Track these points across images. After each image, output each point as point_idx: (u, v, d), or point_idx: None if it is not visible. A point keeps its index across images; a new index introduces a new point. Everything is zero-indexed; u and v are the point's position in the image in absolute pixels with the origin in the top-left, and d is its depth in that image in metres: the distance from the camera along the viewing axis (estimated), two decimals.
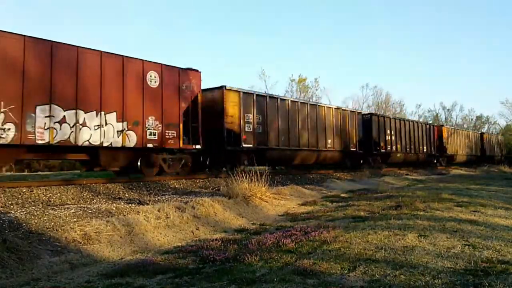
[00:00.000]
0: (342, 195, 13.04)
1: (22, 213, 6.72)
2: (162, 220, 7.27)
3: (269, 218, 9.04)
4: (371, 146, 23.04)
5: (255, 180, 10.07)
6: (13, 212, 6.77)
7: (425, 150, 29.52)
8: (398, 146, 25.75)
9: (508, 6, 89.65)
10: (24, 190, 8.82)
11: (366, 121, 23.35)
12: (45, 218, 6.49)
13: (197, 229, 7.45)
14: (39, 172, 12.18)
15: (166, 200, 8.97)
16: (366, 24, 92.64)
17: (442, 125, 35.87)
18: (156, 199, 9.23)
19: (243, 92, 15.15)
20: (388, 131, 24.77)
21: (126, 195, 9.79)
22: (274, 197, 10.64)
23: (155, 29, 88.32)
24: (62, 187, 9.58)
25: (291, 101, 18.09)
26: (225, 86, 14.49)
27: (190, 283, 4.27)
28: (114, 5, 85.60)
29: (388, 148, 24.60)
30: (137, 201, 8.76)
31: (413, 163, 28.32)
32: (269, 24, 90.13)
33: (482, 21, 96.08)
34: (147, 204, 8.28)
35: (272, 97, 17.05)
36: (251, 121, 15.28)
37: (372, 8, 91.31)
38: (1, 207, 7.44)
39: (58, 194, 8.96)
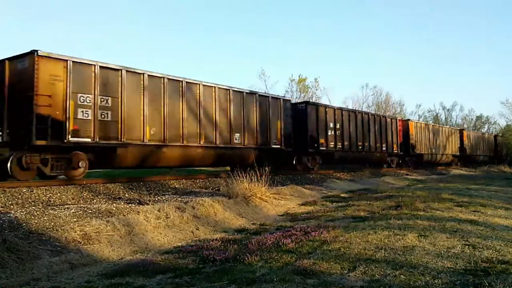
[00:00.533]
0: (342, 195, 13.04)
1: (22, 213, 6.72)
2: (162, 220, 7.27)
3: (269, 218, 9.04)
4: (305, 142, 18.20)
5: (255, 180, 10.08)
6: (13, 212, 6.77)
7: (384, 149, 24.21)
8: (346, 143, 20.66)
9: (508, 6, 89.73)
10: (24, 190, 8.81)
11: (300, 111, 18.53)
12: (45, 218, 6.50)
13: (197, 229, 7.46)
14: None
15: (166, 200, 8.97)
16: (366, 24, 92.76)
17: (409, 119, 30.08)
18: (156, 199, 9.24)
19: (74, 62, 10.37)
20: (332, 125, 19.71)
21: (126, 195, 9.80)
22: (274, 197, 10.65)
23: (154, 29, 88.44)
24: (62, 187, 9.58)
25: (170, 79, 12.73)
26: (37, 51, 9.80)
27: (190, 283, 4.28)
28: (113, 5, 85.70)
29: (331, 145, 19.62)
30: (137, 201, 8.76)
31: (369, 163, 23.65)
32: (269, 24, 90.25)
33: (482, 21, 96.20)
34: (147, 204, 8.28)
35: (132, 72, 11.71)
36: (90, 104, 10.57)
37: (372, 8, 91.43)
38: (1, 207, 7.44)
39: (58, 194, 8.95)
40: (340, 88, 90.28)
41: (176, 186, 11.85)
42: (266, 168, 13.57)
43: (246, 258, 5.01)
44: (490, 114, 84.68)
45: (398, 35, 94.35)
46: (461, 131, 36.93)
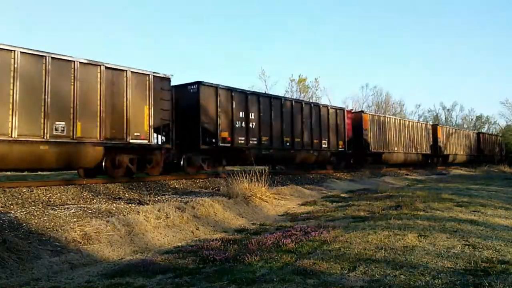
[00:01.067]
0: (342, 195, 13.04)
1: (22, 213, 6.72)
2: (162, 220, 7.27)
3: (269, 218, 9.04)
4: (197, 137, 13.56)
5: (255, 180, 10.08)
6: (13, 212, 6.78)
7: (325, 146, 19.50)
8: (265, 138, 16.05)
9: (508, 6, 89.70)
10: (24, 190, 8.82)
11: (190, 95, 13.82)
12: (45, 218, 6.50)
13: (197, 229, 7.46)
14: (39, 172, 12.08)
15: (166, 200, 8.97)
16: (366, 25, 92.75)
17: (362, 111, 25.13)
18: (156, 199, 9.23)
19: None
20: (242, 114, 15.19)
21: (126, 195, 9.80)
22: (274, 197, 10.65)
23: (155, 30, 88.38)
24: (62, 187, 9.58)
25: None
26: None
27: (190, 283, 4.28)
28: (115, 10, 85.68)
29: (241, 141, 14.98)
30: (137, 201, 8.76)
31: (302, 164, 19.28)
32: (269, 25, 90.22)
33: (482, 21, 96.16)
34: (147, 204, 8.29)
35: None
36: None
37: (372, 9, 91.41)
38: (1, 207, 7.45)
39: (58, 194, 8.96)
40: (340, 88, 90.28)
41: (176, 186, 11.85)
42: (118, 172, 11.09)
43: (246, 258, 5.01)
44: (490, 114, 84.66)
45: (398, 35, 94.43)
46: (434, 127, 31.95)
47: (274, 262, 4.87)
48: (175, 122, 13.15)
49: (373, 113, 26.27)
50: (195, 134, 13.66)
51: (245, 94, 15.62)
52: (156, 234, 6.79)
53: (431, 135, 30.70)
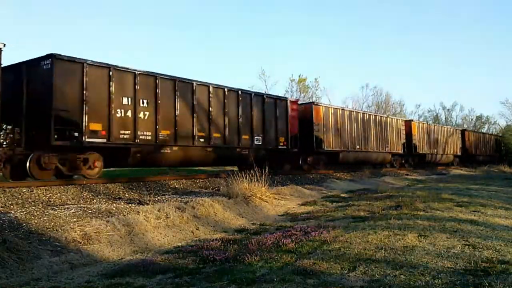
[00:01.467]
0: (342, 195, 13.04)
1: (22, 213, 6.72)
2: (162, 220, 7.27)
3: (269, 218, 9.04)
4: (48, 128, 9.89)
5: (255, 180, 10.08)
6: (13, 212, 6.77)
7: (258, 142, 15.93)
8: (167, 132, 12.60)
9: (507, 6, 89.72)
10: (24, 190, 8.81)
11: (42, 72, 10.26)
12: (45, 218, 6.50)
13: (197, 229, 7.46)
14: None
15: (166, 200, 8.97)
16: (366, 24, 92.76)
17: (312, 102, 20.87)
18: (156, 199, 9.23)
19: None
20: (128, 101, 11.49)
21: (126, 195, 9.80)
22: (274, 197, 10.65)
23: (153, 28, 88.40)
24: (62, 187, 9.58)
25: None
26: None
27: (190, 283, 4.28)
28: (111, 9, 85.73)
29: (125, 136, 11.37)
30: (137, 201, 8.76)
31: (229, 162, 16.43)
32: (269, 25, 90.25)
33: (482, 21, 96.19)
34: (147, 204, 8.28)
35: None
36: None
37: (372, 10, 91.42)
38: (1, 207, 7.44)
39: (58, 194, 8.95)
40: (340, 88, 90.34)
41: (176, 186, 11.86)
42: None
43: (246, 258, 5.01)
44: (490, 114, 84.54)
45: (398, 35, 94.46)
46: (408, 123, 28.09)
47: (274, 262, 4.87)
48: (25, 110, 10.20)
49: (328, 105, 21.50)
50: (46, 125, 10.02)
51: (132, 74, 11.73)
52: (156, 234, 6.79)
53: (404, 133, 26.98)
